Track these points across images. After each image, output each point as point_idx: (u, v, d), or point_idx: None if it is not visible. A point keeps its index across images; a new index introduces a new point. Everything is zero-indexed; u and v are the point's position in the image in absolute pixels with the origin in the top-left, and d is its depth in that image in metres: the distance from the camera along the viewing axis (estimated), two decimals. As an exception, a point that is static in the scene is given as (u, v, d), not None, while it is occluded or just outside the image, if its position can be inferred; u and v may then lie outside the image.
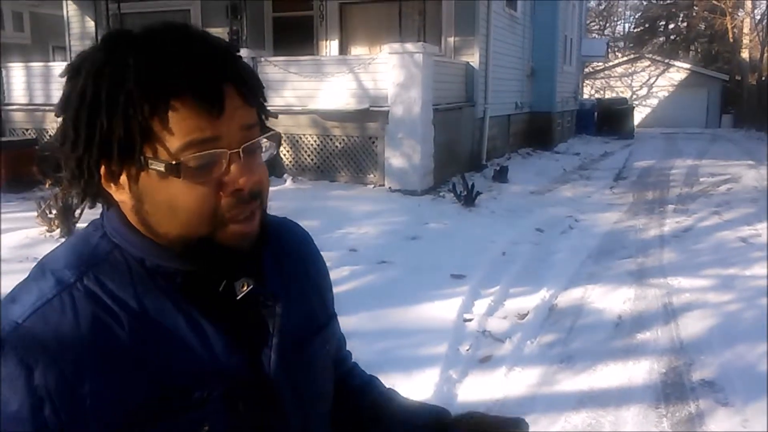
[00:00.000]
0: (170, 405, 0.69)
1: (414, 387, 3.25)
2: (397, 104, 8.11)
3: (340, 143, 8.65)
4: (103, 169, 0.69)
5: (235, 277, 0.75)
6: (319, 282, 0.93)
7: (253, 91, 0.71)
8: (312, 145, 8.72)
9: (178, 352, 0.71)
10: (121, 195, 0.71)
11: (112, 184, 0.70)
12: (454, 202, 7.57)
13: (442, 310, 4.30)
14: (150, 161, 0.67)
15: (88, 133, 0.67)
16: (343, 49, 10.81)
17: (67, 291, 0.69)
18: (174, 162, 0.66)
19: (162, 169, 0.67)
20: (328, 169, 8.68)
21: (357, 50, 10.76)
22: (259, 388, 0.76)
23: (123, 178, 0.70)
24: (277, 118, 0.83)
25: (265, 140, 0.74)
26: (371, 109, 8.30)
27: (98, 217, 0.78)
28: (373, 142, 8.50)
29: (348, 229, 6.29)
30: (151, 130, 0.66)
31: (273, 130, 0.75)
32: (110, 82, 0.66)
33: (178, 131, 0.66)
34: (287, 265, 0.86)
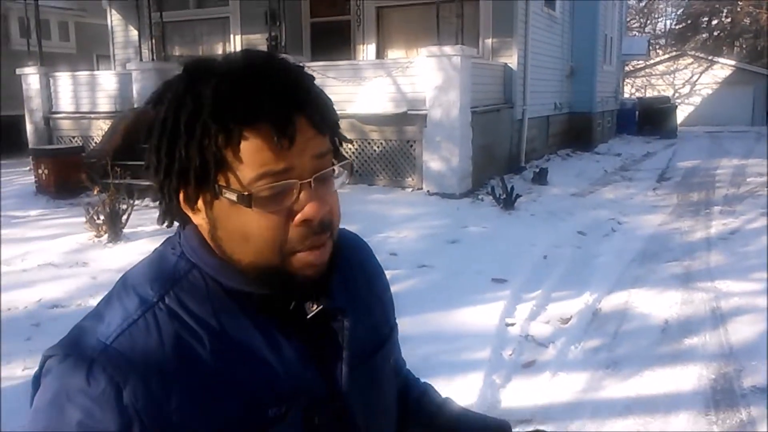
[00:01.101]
0: (251, 421, 0.71)
1: (457, 392, 3.24)
2: (435, 107, 8.10)
3: (378, 147, 8.68)
4: (181, 194, 0.72)
5: (304, 295, 0.77)
6: (380, 292, 0.95)
7: (325, 120, 0.72)
8: (350, 149, 8.76)
9: (258, 369, 0.73)
10: (198, 219, 0.74)
11: (189, 208, 0.74)
12: (494, 205, 7.52)
13: (484, 314, 4.28)
14: (223, 189, 0.70)
15: (168, 161, 0.71)
16: (381, 53, 10.84)
17: (151, 311, 0.72)
18: (245, 193, 0.69)
19: (234, 198, 0.69)
20: (367, 173, 8.71)
21: (394, 54, 10.78)
22: (333, 402, 0.78)
23: (199, 203, 0.73)
24: (352, 143, 0.85)
25: (337, 168, 0.75)
26: (409, 112, 8.30)
27: (173, 235, 0.81)
28: (411, 146, 8.50)
29: (388, 233, 6.31)
30: (225, 159, 0.69)
31: (346, 158, 0.77)
32: (188, 113, 0.69)
33: (251, 162, 0.68)
34: (351, 277, 0.88)
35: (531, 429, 1.01)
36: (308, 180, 0.70)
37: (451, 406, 1.04)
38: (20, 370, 3.50)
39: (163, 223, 0.77)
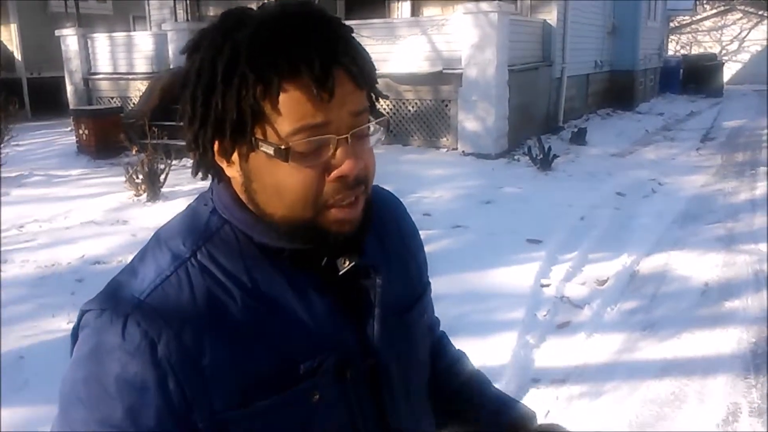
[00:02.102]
0: (283, 375, 0.72)
1: (491, 352, 3.25)
2: (470, 66, 7.94)
3: (412, 107, 8.58)
4: (216, 145, 0.71)
5: (337, 251, 0.76)
6: (414, 250, 0.94)
7: (364, 74, 0.70)
8: (385, 109, 8.68)
9: (289, 324, 0.73)
10: (232, 171, 0.73)
11: (224, 160, 0.72)
12: (530, 165, 7.41)
13: (519, 275, 4.25)
14: (260, 142, 0.69)
15: (203, 112, 0.69)
16: (416, 11, 10.65)
17: (183, 267, 0.72)
18: (283, 147, 0.67)
19: (271, 152, 0.68)
20: (401, 133, 8.64)
21: (429, 11, 10.57)
22: (365, 358, 0.78)
23: (234, 156, 0.71)
24: (387, 99, 0.84)
25: (373, 125, 0.73)
26: (444, 71, 8.17)
27: (206, 191, 0.80)
28: (446, 105, 8.39)
29: (422, 194, 6.28)
30: (262, 111, 0.67)
31: (383, 114, 0.75)
32: (225, 62, 0.67)
33: (289, 115, 0.67)
34: (384, 235, 0.87)
35: (547, 423, 0.99)
36: (345, 136, 0.69)
37: (479, 383, 1.04)
38: (65, 323, 3.63)
39: (197, 174, 0.76)
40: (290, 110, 0.66)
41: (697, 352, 3.35)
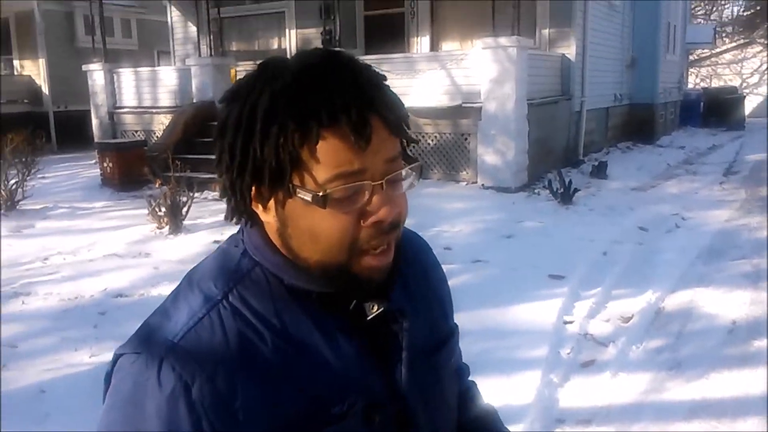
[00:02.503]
0: (312, 418, 0.72)
1: (514, 390, 3.20)
2: (490, 100, 7.98)
3: (432, 140, 8.62)
4: (253, 192, 0.72)
5: (365, 295, 0.76)
6: (440, 293, 0.94)
7: (399, 122, 0.72)
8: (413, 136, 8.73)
9: (319, 367, 0.73)
10: (267, 217, 0.74)
11: (260, 206, 0.73)
12: (550, 199, 7.37)
13: (541, 311, 4.20)
14: (298, 189, 0.69)
15: (242, 159, 0.70)
16: (435, 45, 10.76)
17: (215, 309, 0.73)
18: (321, 194, 0.68)
19: (309, 198, 0.69)
20: (421, 166, 8.66)
21: (448, 46, 10.68)
22: (393, 402, 0.78)
23: (271, 202, 0.72)
24: (418, 143, 0.86)
25: (406, 170, 0.74)
26: (464, 105, 8.22)
27: (237, 232, 0.81)
28: (466, 139, 8.42)
29: (442, 227, 6.26)
30: (300, 158, 0.68)
31: (416, 159, 0.76)
32: (264, 110, 0.68)
33: (326, 162, 0.68)
34: (411, 277, 0.87)
35: None
36: (380, 182, 0.70)
37: (487, 422, 1.04)
38: (87, 357, 3.64)
39: (231, 219, 0.77)
40: (328, 157, 0.67)
41: (726, 393, 3.27)
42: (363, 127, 0.67)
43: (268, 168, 0.69)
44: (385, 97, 0.70)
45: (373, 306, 0.76)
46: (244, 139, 0.69)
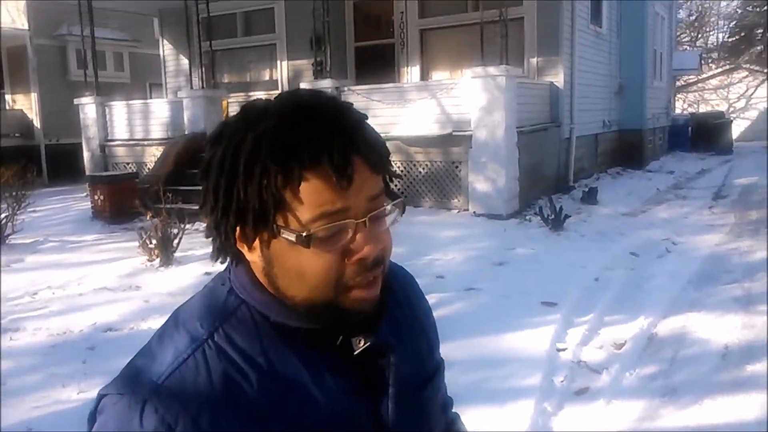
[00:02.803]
0: None
1: (508, 420, 3.17)
2: (480, 128, 8.05)
3: (423, 168, 8.67)
4: (237, 232, 0.73)
5: (352, 331, 0.77)
6: (426, 325, 0.95)
7: (381, 160, 0.73)
8: (396, 171, 8.77)
9: (305, 405, 0.73)
10: (253, 256, 0.75)
11: (245, 246, 0.74)
12: (542, 225, 7.40)
13: (534, 339, 4.18)
14: (282, 230, 0.70)
15: (225, 201, 0.71)
16: (425, 75, 10.88)
17: (200, 349, 0.73)
18: (304, 234, 0.69)
19: (293, 238, 0.70)
20: (413, 194, 8.70)
21: (438, 75, 10.80)
22: None
23: (255, 242, 0.73)
24: (401, 178, 0.88)
25: (390, 207, 0.76)
26: (454, 133, 8.28)
27: (224, 270, 0.82)
28: (457, 167, 8.46)
29: (434, 255, 6.26)
30: (283, 200, 0.69)
31: (399, 196, 0.78)
32: (248, 154, 0.69)
33: (309, 202, 0.69)
34: (397, 311, 0.88)
35: None
36: (363, 220, 0.71)
37: None
38: (75, 394, 3.59)
39: (217, 260, 0.78)
40: (311, 198, 0.69)
41: (720, 418, 3.25)
42: (344, 167, 0.68)
43: (252, 209, 0.70)
44: (366, 136, 0.72)
45: (360, 341, 0.77)
46: (228, 181, 0.70)
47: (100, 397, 0.72)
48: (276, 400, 0.72)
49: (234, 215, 0.71)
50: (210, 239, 0.76)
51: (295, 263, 0.71)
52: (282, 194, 0.69)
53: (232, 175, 0.70)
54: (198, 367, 0.71)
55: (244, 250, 0.74)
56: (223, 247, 0.75)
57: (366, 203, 0.71)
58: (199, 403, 0.69)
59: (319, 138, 0.68)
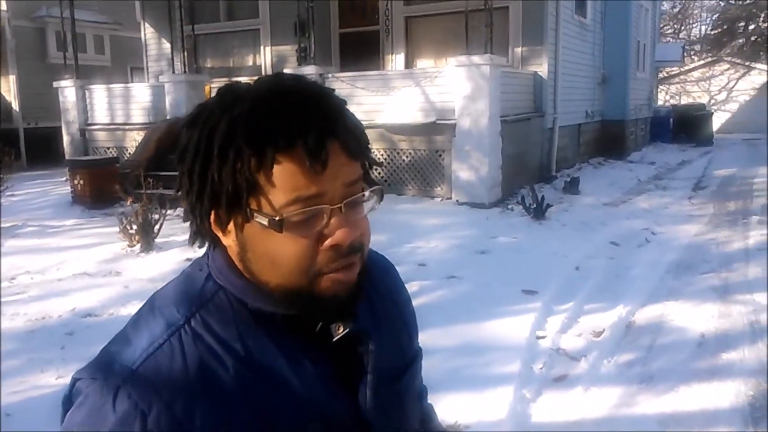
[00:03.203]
0: None
1: (487, 406, 3.20)
2: (464, 117, 8.06)
3: (407, 157, 8.67)
4: (212, 216, 0.73)
5: (330, 318, 0.76)
6: (405, 315, 0.94)
7: (358, 146, 0.72)
8: (379, 159, 8.77)
9: (281, 392, 0.73)
10: (228, 240, 0.74)
11: (220, 230, 0.74)
12: (524, 214, 7.44)
13: (514, 326, 4.22)
14: (255, 213, 0.70)
15: (200, 184, 0.71)
16: (409, 63, 10.85)
17: (176, 335, 0.72)
18: (277, 218, 0.69)
19: (265, 222, 0.69)
20: (396, 182, 8.70)
21: (423, 63, 10.78)
22: (356, 426, 0.78)
23: (230, 226, 0.73)
24: (381, 165, 0.87)
25: (367, 193, 0.75)
26: (438, 122, 8.28)
27: (202, 256, 0.82)
28: (440, 155, 8.47)
29: (417, 243, 6.28)
30: (257, 183, 0.69)
31: (376, 183, 0.77)
32: (222, 136, 0.69)
33: (283, 186, 0.68)
34: (376, 299, 0.88)
35: None
36: (339, 205, 0.70)
37: None
38: (54, 379, 3.57)
39: (194, 243, 0.78)
40: (284, 182, 0.68)
41: (695, 405, 3.31)
42: (319, 151, 0.67)
43: (226, 193, 0.69)
44: (344, 122, 0.71)
45: (338, 327, 0.76)
46: (202, 164, 0.70)
47: (74, 381, 0.72)
48: (252, 387, 0.71)
49: (208, 198, 0.71)
50: (188, 224, 0.76)
51: (269, 248, 0.71)
52: (255, 178, 0.68)
53: (206, 158, 0.69)
54: (173, 352, 0.70)
55: (219, 234, 0.74)
56: (199, 231, 0.75)
57: (342, 189, 0.71)
58: (174, 389, 0.68)
59: (294, 122, 0.67)
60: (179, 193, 0.74)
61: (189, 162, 0.71)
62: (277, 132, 0.67)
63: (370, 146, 0.76)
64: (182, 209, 0.77)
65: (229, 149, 0.68)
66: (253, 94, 0.70)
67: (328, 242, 0.70)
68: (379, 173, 8.84)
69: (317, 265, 0.71)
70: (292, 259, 0.70)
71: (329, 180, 0.69)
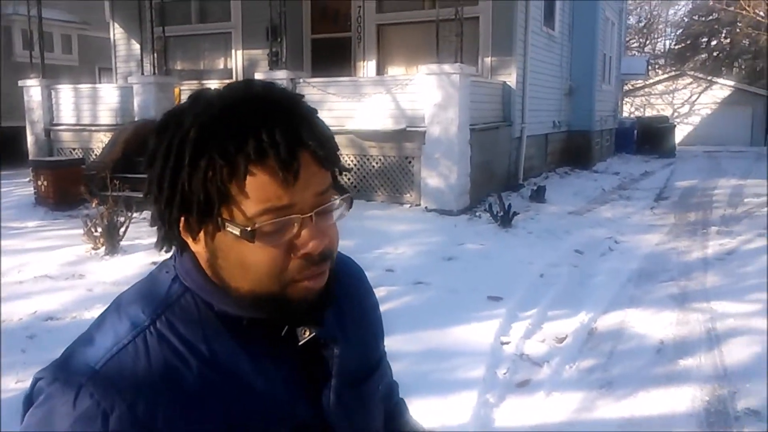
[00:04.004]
0: None
1: (451, 411, 3.24)
2: (434, 124, 8.14)
3: (377, 163, 8.71)
4: (182, 223, 0.73)
5: (299, 322, 0.77)
6: (371, 319, 0.96)
7: (329, 156, 0.72)
8: (349, 164, 8.80)
9: (244, 394, 0.74)
10: (197, 247, 0.74)
11: (190, 237, 0.74)
12: (491, 222, 7.53)
13: (479, 332, 4.27)
14: (227, 223, 0.70)
15: (170, 192, 0.71)
16: (381, 70, 10.91)
17: (141, 335, 0.72)
18: (249, 228, 0.69)
19: (237, 232, 0.69)
20: (365, 188, 8.73)
21: (394, 71, 10.85)
22: (320, 428, 0.79)
23: (200, 234, 0.73)
24: (350, 171, 0.88)
25: (337, 202, 0.76)
26: (408, 129, 8.34)
27: (168, 258, 0.81)
28: (410, 162, 8.54)
29: (385, 249, 6.31)
30: (228, 193, 0.69)
31: (346, 191, 0.78)
32: (193, 145, 0.69)
33: (255, 197, 0.69)
34: (344, 302, 0.88)
35: None
36: (310, 215, 0.71)
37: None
38: (13, 383, 3.50)
39: (162, 249, 0.77)
40: (257, 193, 0.68)
41: (653, 410, 3.39)
42: (291, 162, 0.67)
43: (197, 202, 0.69)
44: (315, 131, 0.71)
45: (305, 331, 0.77)
46: (173, 171, 0.69)
47: (36, 380, 0.71)
48: (216, 389, 0.72)
49: (178, 206, 0.70)
50: (156, 228, 0.76)
51: (240, 257, 0.71)
52: (227, 188, 0.68)
53: (177, 166, 0.69)
54: (138, 353, 0.70)
55: (189, 240, 0.74)
56: (168, 237, 0.75)
57: (313, 198, 0.71)
58: (137, 390, 0.68)
59: (266, 132, 0.67)
60: (147, 198, 0.74)
61: (159, 168, 0.71)
62: (250, 142, 0.67)
63: (340, 153, 0.76)
64: (150, 213, 0.77)
65: (200, 158, 0.68)
66: (223, 102, 0.70)
67: (300, 252, 0.71)
68: (349, 179, 8.86)
69: (289, 273, 0.71)
70: (263, 268, 0.70)
71: (300, 190, 0.69)
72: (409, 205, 8.47)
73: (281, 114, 0.69)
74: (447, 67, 7.97)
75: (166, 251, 0.78)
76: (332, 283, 0.76)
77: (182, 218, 0.72)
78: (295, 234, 0.71)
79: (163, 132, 0.72)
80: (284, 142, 0.67)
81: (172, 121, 0.72)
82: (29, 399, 0.71)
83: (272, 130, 0.67)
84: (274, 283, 0.72)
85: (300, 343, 0.77)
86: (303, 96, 0.75)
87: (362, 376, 0.87)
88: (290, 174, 0.68)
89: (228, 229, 0.70)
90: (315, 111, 0.74)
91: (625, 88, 25.56)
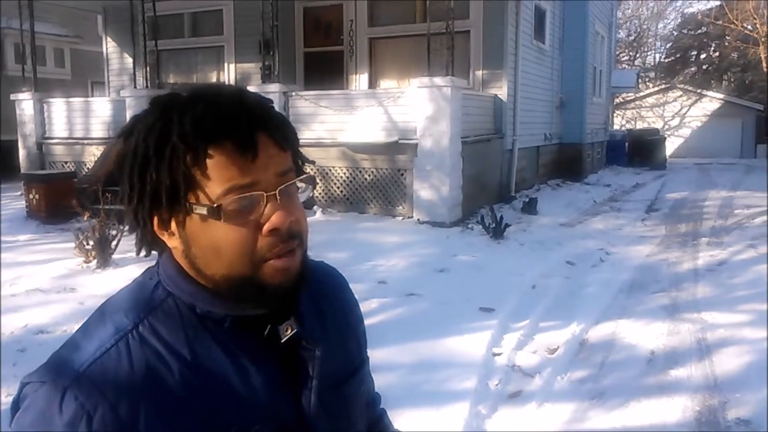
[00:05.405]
0: None
1: (443, 422, 3.24)
2: (425, 137, 8.18)
3: (369, 175, 8.74)
4: (155, 219, 0.76)
5: (278, 321, 0.80)
6: (353, 324, 0.97)
7: (286, 137, 0.77)
8: (342, 177, 8.82)
9: (225, 396, 0.76)
10: (173, 241, 0.77)
11: (164, 232, 0.77)
12: (483, 234, 7.56)
13: (471, 343, 4.28)
14: (194, 206, 0.74)
15: (140, 186, 0.75)
16: (373, 83, 10.97)
17: (124, 339, 0.75)
18: (215, 205, 0.72)
19: (204, 212, 0.73)
20: (358, 201, 8.76)
21: (386, 84, 10.91)
22: (300, 428, 0.80)
23: (173, 225, 0.76)
24: (314, 164, 0.90)
25: (300, 183, 0.79)
26: (400, 141, 8.39)
27: (153, 265, 0.84)
28: (402, 174, 8.57)
29: (377, 261, 6.32)
30: (193, 177, 0.73)
31: (308, 173, 0.81)
32: (157, 139, 0.73)
33: (218, 178, 0.73)
34: (326, 308, 0.91)
35: None
36: (273, 192, 0.74)
37: None
38: (4, 396, 3.48)
39: (140, 251, 0.81)
40: (219, 173, 0.72)
41: (645, 420, 3.41)
42: (248, 141, 0.72)
43: (165, 190, 0.73)
44: (271, 117, 0.76)
45: (287, 328, 0.79)
46: (141, 166, 0.74)
47: (23, 385, 0.73)
48: (196, 391, 0.73)
49: (149, 199, 0.74)
50: (134, 235, 0.79)
51: (211, 240, 0.74)
52: (191, 172, 0.72)
53: (144, 160, 0.73)
54: (120, 356, 0.72)
55: (164, 236, 0.77)
56: (144, 237, 0.78)
57: (275, 178, 0.74)
58: (119, 391, 0.70)
59: (224, 117, 0.72)
60: (122, 201, 0.78)
61: (128, 167, 0.75)
62: (209, 126, 0.71)
63: (299, 138, 0.81)
64: (128, 229, 0.80)
65: (164, 148, 0.72)
66: (184, 98, 0.75)
67: (266, 227, 0.74)
68: (342, 192, 8.88)
69: (259, 252, 0.74)
70: (234, 246, 0.73)
71: (261, 169, 0.73)
72: (401, 218, 8.50)
73: (236, 100, 0.75)
74: (438, 80, 8.03)
75: (146, 254, 0.81)
76: (305, 268, 0.78)
77: (155, 214, 0.75)
78: (261, 212, 0.74)
79: (130, 136, 0.76)
80: (240, 123, 0.72)
81: (138, 124, 0.76)
82: (17, 403, 0.73)
83: (230, 115, 0.72)
84: (246, 264, 0.74)
85: (282, 341, 0.79)
86: (272, 101, 0.80)
87: (343, 377, 0.88)
88: (248, 152, 0.72)
89: (196, 211, 0.73)
90: (271, 101, 0.79)
91: (616, 101, 25.77)
